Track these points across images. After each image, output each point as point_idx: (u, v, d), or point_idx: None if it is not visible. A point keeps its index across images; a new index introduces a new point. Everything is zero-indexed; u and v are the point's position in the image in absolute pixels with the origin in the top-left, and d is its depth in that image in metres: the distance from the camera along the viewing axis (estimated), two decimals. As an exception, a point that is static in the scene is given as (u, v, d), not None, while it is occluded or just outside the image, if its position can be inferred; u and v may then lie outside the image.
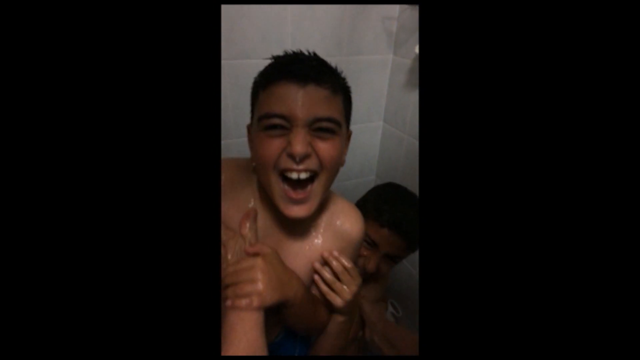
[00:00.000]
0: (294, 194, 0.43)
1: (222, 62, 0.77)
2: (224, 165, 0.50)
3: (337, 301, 0.50)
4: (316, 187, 0.44)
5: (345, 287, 0.50)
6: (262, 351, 0.37)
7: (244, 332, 0.37)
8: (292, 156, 0.40)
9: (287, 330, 0.58)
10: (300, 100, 0.39)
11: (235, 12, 0.74)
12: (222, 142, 0.87)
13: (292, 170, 0.41)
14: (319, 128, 0.41)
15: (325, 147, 0.41)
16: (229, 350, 0.36)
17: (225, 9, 0.72)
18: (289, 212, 0.43)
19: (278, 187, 0.43)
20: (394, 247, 0.67)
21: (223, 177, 0.49)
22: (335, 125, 0.42)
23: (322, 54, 0.88)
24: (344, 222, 0.53)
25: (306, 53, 0.44)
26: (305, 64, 0.40)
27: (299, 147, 0.39)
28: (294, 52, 0.44)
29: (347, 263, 0.50)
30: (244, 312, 0.38)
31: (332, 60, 0.91)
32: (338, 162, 0.45)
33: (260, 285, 0.39)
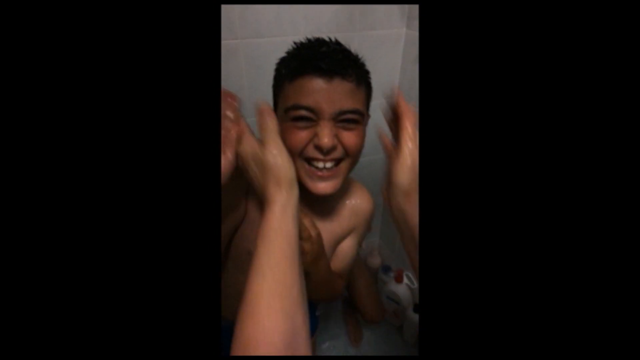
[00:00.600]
0: (320, 173, 0.45)
1: (237, 41, 0.79)
2: None
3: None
4: (342, 167, 0.47)
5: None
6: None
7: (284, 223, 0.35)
8: (319, 148, 0.43)
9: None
10: (327, 94, 0.41)
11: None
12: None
13: (318, 160, 0.44)
14: (345, 119, 0.43)
15: (350, 137, 0.44)
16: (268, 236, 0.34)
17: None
18: (316, 188, 0.45)
19: (304, 168, 0.45)
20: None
21: None
22: (359, 116, 0.45)
23: (334, 30, 0.88)
24: (357, 200, 0.58)
25: (327, 39, 0.45)
26: (332, 58, 0.41)
27: (326, 140, 0.42)
28: (317, 41, 0.44)
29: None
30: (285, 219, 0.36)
31: (344, 36, 0.91)
32: (361, 149, 0.48)
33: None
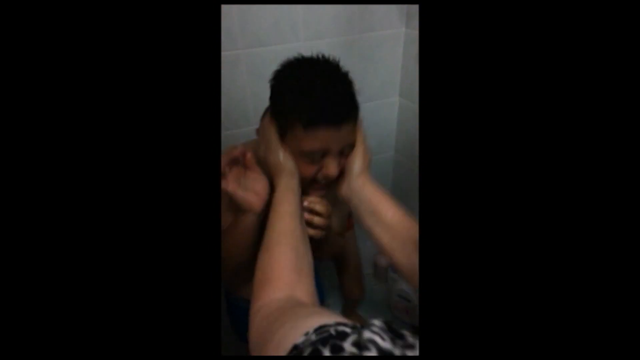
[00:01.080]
0: (319, 186, 0.55)
1: (239, 51, 0.80)
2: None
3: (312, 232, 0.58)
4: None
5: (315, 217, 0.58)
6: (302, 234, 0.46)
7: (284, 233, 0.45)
8: (326, 177, 0.52)
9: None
10: (336, 138, 0.49)
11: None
12: (242, 130, 0.90)
13: (322, 181, 0.54)
14: (345, 151, 0.52)
15: (344, 161, 0.53)
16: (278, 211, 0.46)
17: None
18: (315, 193, 0.57)
19: (309, 185, 0.55)
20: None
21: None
22: (353, 146, 0.53)
23: (334, 34, 0.88)
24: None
25: (331, 71, 0.50)
26: (341, 107, 0.48)
27: (334, 172, 0.51)
28: (324, 77, 0.49)
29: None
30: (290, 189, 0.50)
31: (344, 40, 0.92)
32: None
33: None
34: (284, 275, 0.38)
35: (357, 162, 0.52)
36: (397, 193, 1.23)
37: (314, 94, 0.48)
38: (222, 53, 0.79)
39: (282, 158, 0.51)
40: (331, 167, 0.51)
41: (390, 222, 0.49)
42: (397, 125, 1.13)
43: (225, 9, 0.74)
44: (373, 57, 0.96)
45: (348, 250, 0.94)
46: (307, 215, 0.55)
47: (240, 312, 0.78)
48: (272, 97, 0.52)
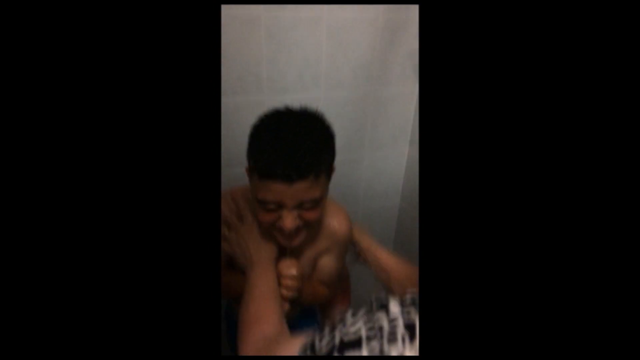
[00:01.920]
0: (287, 236, 0.56)
1: (264, 97, 0.86)
2: (238, 193, 0.64)
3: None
4: (304, 230, 0.57)
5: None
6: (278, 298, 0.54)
7: (266, 280, 0.54)
8: (281, 228, 0.53)
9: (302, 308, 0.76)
10: (288, 193, 0.49)
11: (276, 46, 0.83)
12: (255, 97, 0.87)
13: (283, 231, 0.54)
14: (304, 207, 0.52)
15: (310, 214, 0.53)
16: (252, 294, 0.52)
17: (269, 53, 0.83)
18: (286, 244, 0.58)
19: (276, 232, 0.56)
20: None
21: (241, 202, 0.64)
22: (317, 201, 0.52)
23: (352, 86, 0.92)
24: (333, 222, 0.65)
25: (296, 124, 0.50)
26: (295, 165, 0.47)
27: (288, 226, 0.52)
28: (286, 135, 0.49)
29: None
30: (264, 270, 0.56)
31: (362, 91, 0.97)
32: (320, 216, 0.58)
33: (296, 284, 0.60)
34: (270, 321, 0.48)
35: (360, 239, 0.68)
36: (400, 239, 1.25)
37: (273, 146, 0.48)
38: (248, 97, 0.86)
39: (253, 251, 0.57)
40: (286, 221, 0.51)
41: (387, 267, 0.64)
42: (404, 173, 1.17)
43: (256, 57, 0.83)
44: (386, 109, 1.03)
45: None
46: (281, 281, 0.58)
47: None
48: (248, 141, 0.52)
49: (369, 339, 0.31)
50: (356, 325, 0.33)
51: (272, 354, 0.42)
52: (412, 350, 0.29)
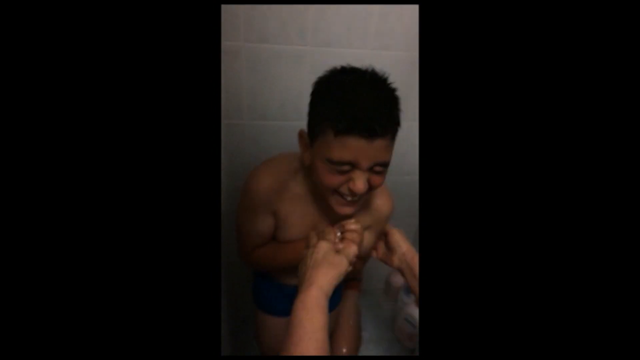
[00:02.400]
0: (346, 201, 0.54)
1: (240, 43, 0.77)
2: (277, 160, 0.63)
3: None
4: (364, 197, 0.55)
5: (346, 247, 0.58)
6: (327, 351, 0.43)
7: (312, 331, 0.42)
8: (352, 192, 0.50)
9: None
10: (366, 152, 0.47)
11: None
12: (237, 122, 0.86)
13: (347, 195, 0.52)
14: (376, 170, 0.50)
15: (377, 179, 0.51)
16: (298, 346, 0.41)
17: None
18: (341, 211, 0.55)
19: (334, 198, 0.54)
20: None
21: (275, 170, 0.61)
22: (387, 165, 0.51)
23: (344, 45, 0.81)
24: (380, 200, 0.66)
25: (371, 84, 0.48)
26: (377, 119, 0.45)
27: (361, 188, 0.49)
28: (362, 90, 0.47)
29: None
30: (313, 312, 0.45)
31: (358, 52, 0.82)
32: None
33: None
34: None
35: (401, 241, 0.63)
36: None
37: (351, 101, 0.46)
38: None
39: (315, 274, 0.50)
40: (358, 182, 0.48)
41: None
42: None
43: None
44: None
45: (348, 305, 0.95)
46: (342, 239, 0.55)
47: (265, 288, 0.80)
48: (311, 101, 0.51)
49: None
50: None
51: None
52: None
